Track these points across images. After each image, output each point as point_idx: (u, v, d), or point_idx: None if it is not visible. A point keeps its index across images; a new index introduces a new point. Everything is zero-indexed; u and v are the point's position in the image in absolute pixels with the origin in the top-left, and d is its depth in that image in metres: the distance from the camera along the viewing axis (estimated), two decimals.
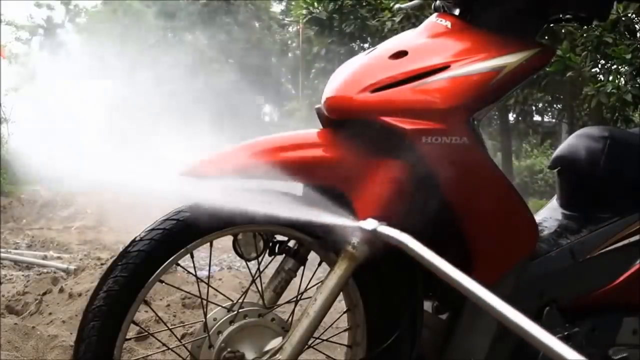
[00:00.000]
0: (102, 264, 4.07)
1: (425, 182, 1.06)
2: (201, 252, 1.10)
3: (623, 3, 4.05)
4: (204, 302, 1.09)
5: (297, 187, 1.16)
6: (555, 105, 7.80)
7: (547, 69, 5.01)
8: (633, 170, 1.36)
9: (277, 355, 1.04)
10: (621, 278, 1.30)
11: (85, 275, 3.95)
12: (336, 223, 1.01)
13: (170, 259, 1.04)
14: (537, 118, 8.91)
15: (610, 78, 5.37)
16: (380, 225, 0.96)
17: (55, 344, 2.37)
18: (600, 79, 5.35)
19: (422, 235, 1.10)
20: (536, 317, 1.24)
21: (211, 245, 1.10)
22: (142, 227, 1.06)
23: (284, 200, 1.05)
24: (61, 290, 3.51)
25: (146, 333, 1.21)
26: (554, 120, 9.63)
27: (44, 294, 3.50)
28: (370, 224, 0.98)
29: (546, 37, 5.31)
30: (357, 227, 0.99)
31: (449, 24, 1.17)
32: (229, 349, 1.06)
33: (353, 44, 7.92)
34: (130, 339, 1.08)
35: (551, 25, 1.65)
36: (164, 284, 1.07)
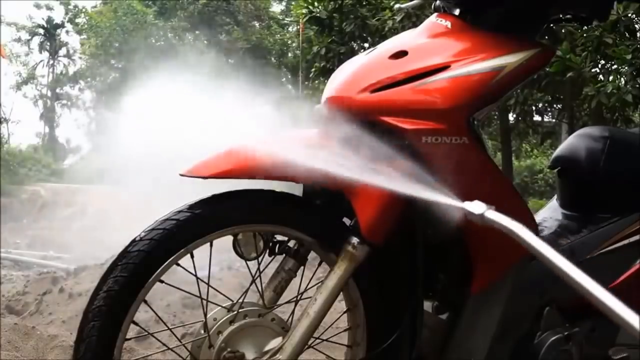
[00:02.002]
0: (102, 264, 4.08)
1: (424, 182, 1.06)
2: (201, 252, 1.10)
3: (623, 3, 4.05)
4: (204, 302, 1.09)
5: (298, 187, 1.16)
6: (555, 105, 7.79)
7: (547, 69, 5.01)
8: (633, 170, 1.36)
9: (277, 355, 1.04)
10: (621, 278, 1.30)
11: (85, 275, 3.96)
12: (441, 202, 0.95)
13: (170, 259, 1.04)
14: (537, 118, 8.90)
15: (611, 78, 5.37)
16: (488, 209, 0.89)
17: (55, 344, 2.37)
18: (601, 80, 5.35)
19: (421, 235, 1.11)
20: (536, 317, 1.24)
21: (211, 245, 1.10)
22: (143, 226, 1.06)
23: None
24: (61, 290, 3.52)
25: (146, 333, 1.21)
26: (554, 120, 9.63)
27: (44, 294, 3.51)
28: (478, 207, 0.90)
29: (546, 37, 5.30)
30: (463, 208, 0.91)
31: (449, 24, 1.17)
32: (229, 349, 1.06)
33: (353, 43, 7.91)
34: (130, 339, 1.07)
35: (551, 25, 1.65)
36: (164, 284, 1.07)
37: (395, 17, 6.53)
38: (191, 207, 1.07)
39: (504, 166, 7.82)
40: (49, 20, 29.30)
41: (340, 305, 1.21)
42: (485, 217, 0.88)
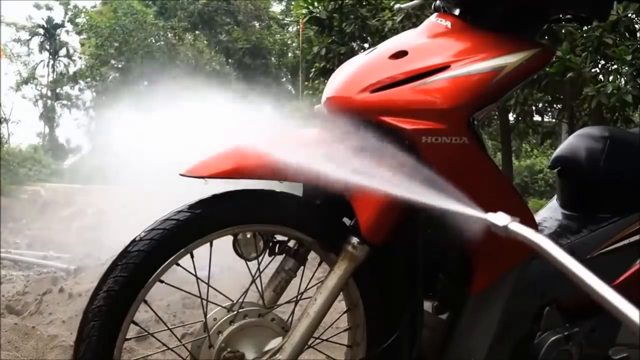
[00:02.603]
0: (102, 264, 4.07)
1: (425, 182, 1.06)
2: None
3: (623, 3, 4.05)
4: (204, 302, 1.09)
5: (298, 187, 1.16)
6: (555, 105, 7.79)
7: (547, 70, 5.01)
8: (633, 170, 1.36)
9: (277, 355, 1.04)
10: (621, 278, 1.30)
11: (85, 275, 3.95)
12: (462, 212, 0.92)
13: (170, 259, 1.04)
14: (537, 118, 8.90)
15: (611, 79, 5.38)
16: (512, 222, 0.85)
17: (55, 344, 2.37)
18: (601, 80, 5.35)
19: (421, 235, 1.11)
20: (536, 317, 1.24)
21: (211, 245, 1.10)
22: (142, 227, 1.06)
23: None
24: (61, 290, 3.52)
25: (146, 333, 1.21)
26: (554, 120, 9.63)
27: (44, 294, 3.51)
28: (502, 219, 0.86)
29: (546, 37, 5.31)
30: (486, 220, 0.88)
31: (449, 24, 1.17)
32: (229, 349, 1.06)
33: (353, 43, 7.91)
34: (130, 339, 1.07)
35: (551, 25, 1.65)
36: (163, 283, 1.07)
37: (395, 17, 6.53)
38: (191, 207, 1.07)
39: (504, 166, 7.82)
40: (49, 20, 29.31)
41: (340, 305, 1.21)
42: (509, 229, 0.85)
